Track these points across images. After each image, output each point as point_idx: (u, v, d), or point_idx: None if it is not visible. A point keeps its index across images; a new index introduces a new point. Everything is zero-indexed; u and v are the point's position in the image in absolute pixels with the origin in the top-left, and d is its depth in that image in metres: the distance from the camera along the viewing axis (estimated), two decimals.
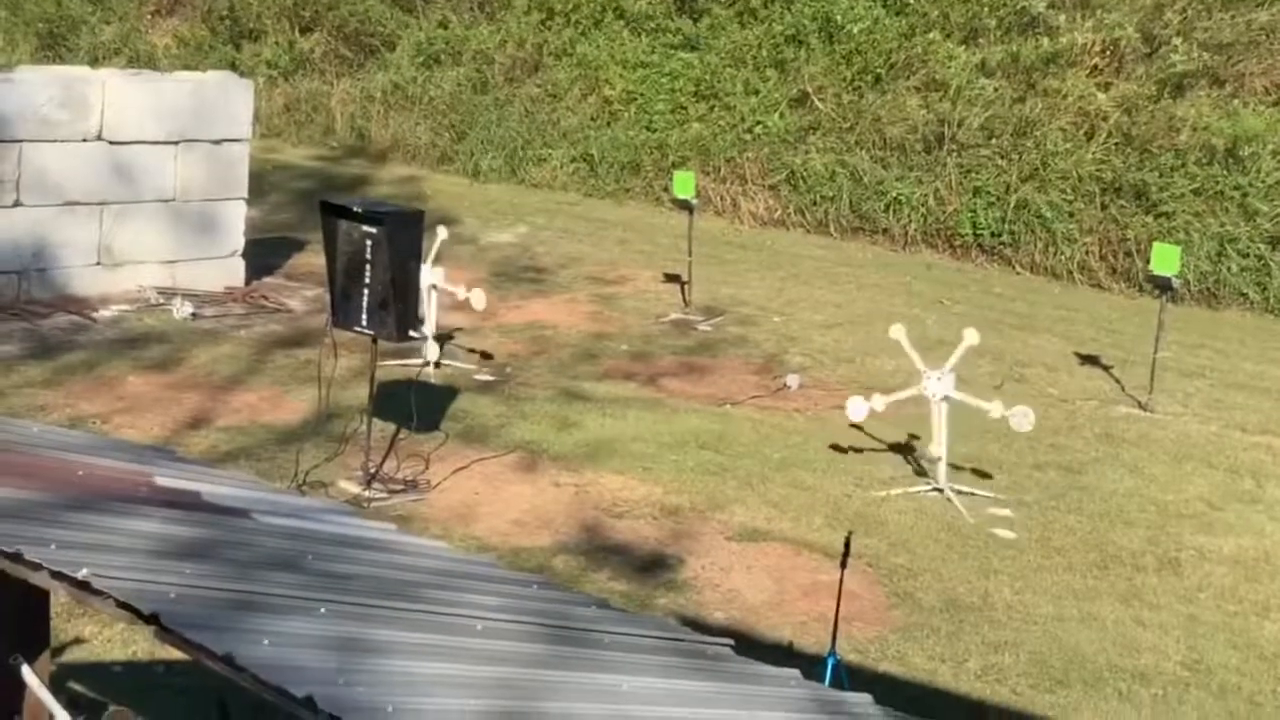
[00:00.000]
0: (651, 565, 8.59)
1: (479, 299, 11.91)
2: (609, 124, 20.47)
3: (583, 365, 12.50)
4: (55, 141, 12.72)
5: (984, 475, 10.43)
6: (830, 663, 6.63)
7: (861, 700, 4.14)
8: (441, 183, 19.89)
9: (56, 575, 3.35)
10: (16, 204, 12.60)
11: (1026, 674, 7.66)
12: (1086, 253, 17.20)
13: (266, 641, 3.17)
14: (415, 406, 10.11)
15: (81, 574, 3.28)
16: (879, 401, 10.44)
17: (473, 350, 12.44)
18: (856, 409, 10.43)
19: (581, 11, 21.50)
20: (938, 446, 10.01)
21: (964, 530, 9.49)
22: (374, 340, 9.40)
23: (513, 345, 12.93)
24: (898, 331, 10.41)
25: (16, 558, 3.41)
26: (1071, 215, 17.35)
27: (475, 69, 21.69)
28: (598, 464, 10.07)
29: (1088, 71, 18.39)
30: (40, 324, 12.23)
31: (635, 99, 20.44)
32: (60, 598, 3.98)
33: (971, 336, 10.20)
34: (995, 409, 9.99)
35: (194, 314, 12.86)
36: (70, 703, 4.85)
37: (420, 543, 4.80)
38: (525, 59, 21.56)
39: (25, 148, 12.55)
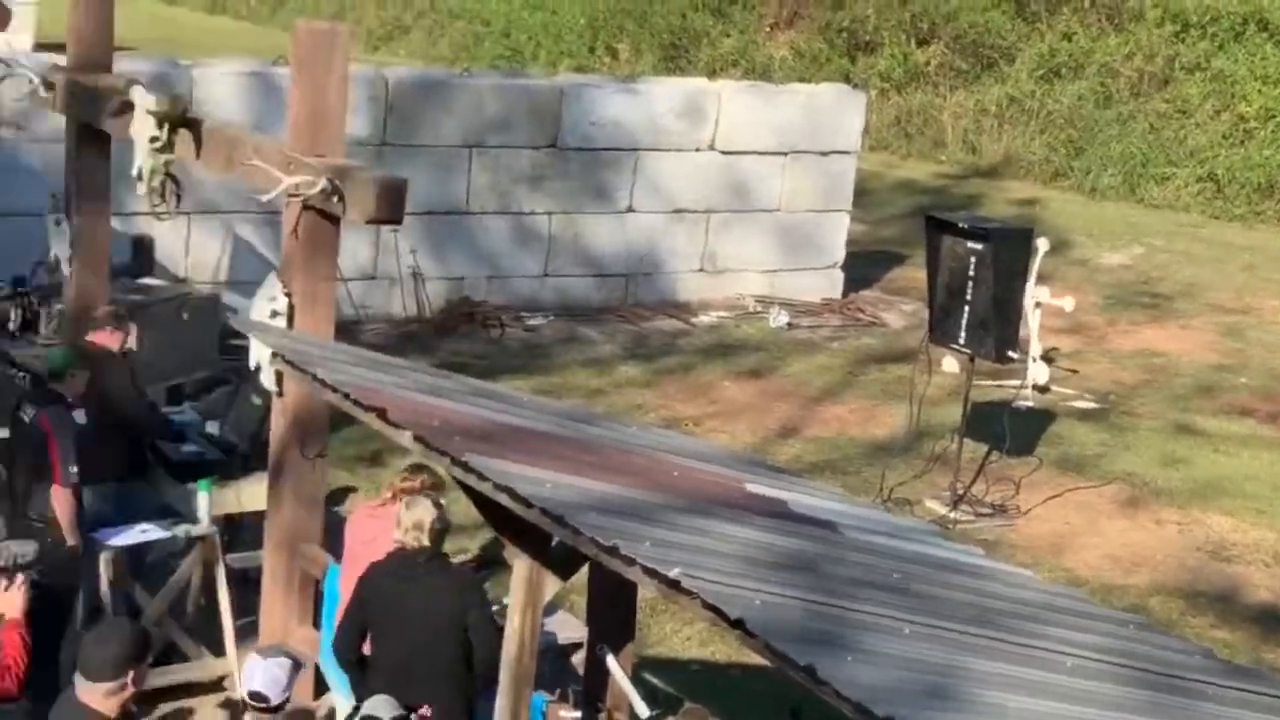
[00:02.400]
0: (1261, 615, 8.04)
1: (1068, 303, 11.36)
2: (1242, 143, 19.30)
3: (1196, 398, 11.82)
4: (670, 150, 13.24)
5: None
6: None
7: None
8: (1054, 199, 19.40)
9: (649, 572, 3.40)
10: (629, 210, 13.20)
11: None
12: None
13: (850, 658, 3.12)
14: (1009, 429, 9.85)
15: (673, 573, 3.32)
16: None
17: (1074, 370, 12.03)
18: None
19: (1220, 24, 20.39)
20: None
21: None
22: (971, 359, 9.24)
23: (1120, 372, 12.41)
24: None
25: (613, 551, 3.49)
26: None
27: (1099, 82, 21.00)
28: (1205, 503, 9.52)
29: None
30: (642, 326, 12.77)
31: (1274, 116, 19.17)
32: (646, 592, 4.05)
33: None
34: None
35: (789, 324, 13.07)
36: (649, 694, 4.97)
37: (1008, 570, 4.69)
38: (1154, 73, 20.67)
39: (641, 156, 13.13)
